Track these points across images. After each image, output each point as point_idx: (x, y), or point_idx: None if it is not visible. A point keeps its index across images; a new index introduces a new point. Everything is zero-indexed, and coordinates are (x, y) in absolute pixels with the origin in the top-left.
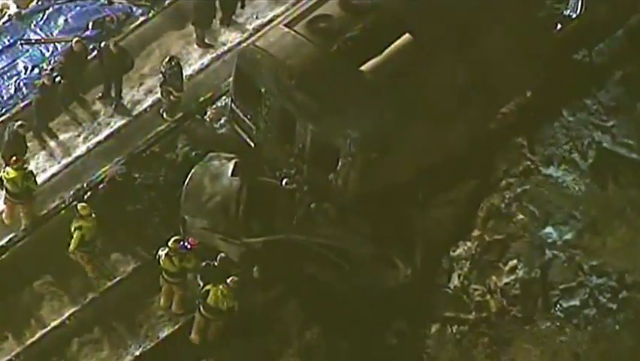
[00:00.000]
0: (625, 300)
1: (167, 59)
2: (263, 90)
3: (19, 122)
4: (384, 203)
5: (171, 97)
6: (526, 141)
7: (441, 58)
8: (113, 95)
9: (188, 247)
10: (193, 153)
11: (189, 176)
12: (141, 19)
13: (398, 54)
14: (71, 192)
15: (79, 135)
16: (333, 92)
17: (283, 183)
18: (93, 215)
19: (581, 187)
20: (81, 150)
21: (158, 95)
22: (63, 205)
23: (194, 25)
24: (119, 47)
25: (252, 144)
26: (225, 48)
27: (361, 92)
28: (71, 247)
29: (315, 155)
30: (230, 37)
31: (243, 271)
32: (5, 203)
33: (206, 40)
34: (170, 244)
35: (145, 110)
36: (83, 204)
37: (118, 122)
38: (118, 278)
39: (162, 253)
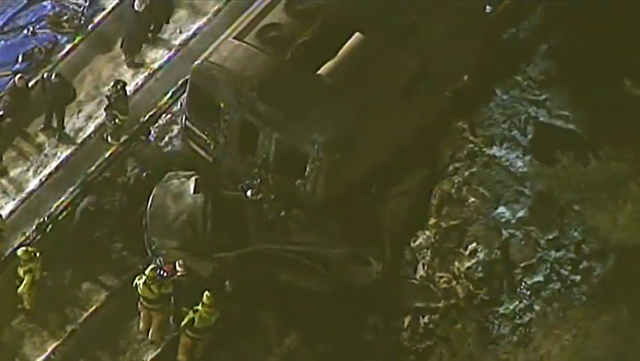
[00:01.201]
0: (586, 270)
1: (112, 83)
2: (222, 105)
3: None
4: (350, 202)
5: (117, 120)
6: (466, 124)
7: (390, 52)
8: (55, 125)
9: (165, 274)
10: (144, 175)
11: (151, 198)
12: (68, 46)
13: (351, 54)
14: (33, 227)
15: (28, 169)
16: (295, 99)
17: (247, 194)
18: (37, 254)
19: (524, 163)
20: (34, 183)
21: (99, 120)
22: (28, 242)
23: (123, 51)
24: (60, 78)
25: (210, 159)
26: (156, 66)
27: (322, 96)
28: (22, 289)
29: (280, 163)
30: (157, 55)
31: (215, 285)
32: None
33: (136, 60)
34: (147, 272)
35: (89, 136)
36: (23, 249)
37: (64, 151)
38: (94, 307)
39: (139, 281)
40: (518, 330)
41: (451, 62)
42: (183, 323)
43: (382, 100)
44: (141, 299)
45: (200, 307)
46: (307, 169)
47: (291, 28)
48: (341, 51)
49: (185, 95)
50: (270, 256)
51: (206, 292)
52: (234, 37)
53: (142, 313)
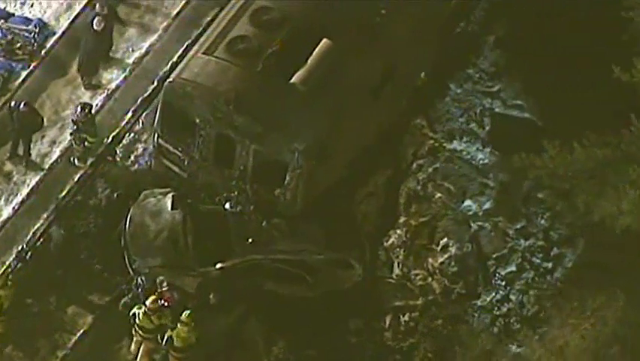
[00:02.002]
0: (557, 257)
1: (79, 107)
2: (197, 121)
3: None
4: (326, 207)
5: (86, 143)
6: (425, 120)
7: (357, 55)
8: (21, 153)
9: (166, 304)
10: (115, 195)
11: (128, 218)
12: (24, 73)
13: (321, 60)
14: (13, 256)
15: None
16: (271, 109)
17: (226, 207)
18: (10, 283)
19: (485, 155)
20: (7, 212)
21: (64, 144)
22: (10, 270)
23: (81, 74)
24: (29, 106)
25: (185, 175)
26: (113, 86)
27: (297, 104)
28: None
29: (258, 174)
30: (113, 75)
31: (199, 300)
32: None
33: (93, 82)
34: (148, 303)
35: (56, 161)
36: None
37: (33, 178)
38: (82, 331)
39: (139, 311)
40: (497, 321)
41: (412, 60)
42: (164, 343)
43: (352, 103)
44: (137, 329)
45: (178, 325)
46: (287, 178)
47: (259, 39)
48: (311, 58)
49: (157, 113)
50: (255, 267)
51: (186, 311)
52: (203, 53)
53: (135, 340)
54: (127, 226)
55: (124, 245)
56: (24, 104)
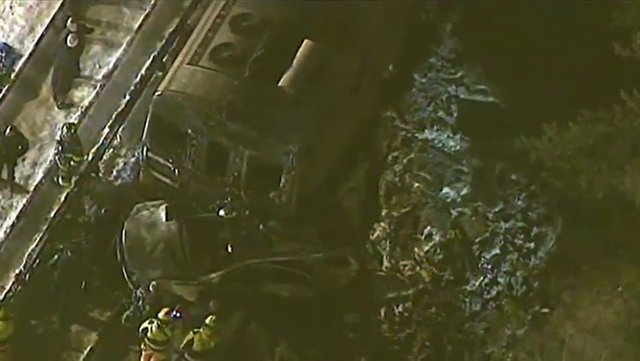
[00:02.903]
0: (538, 236)
1: (65, 127)
2: (189, 131)
3: None
4: (318, 205)
5: (72, 163)
6: (395, 112)
7: (336, 53)
8: (4, 177)
9: (178, 315)
10: (103, 211)
11: (124, 232)
12: None
13: (305, 61)
14: (11, 280)
15: None
16: (262, 114)
17: (220, 214)
18: (9, 320)
19: (456, 142)
20: None
21: (45, 165)
22: (10, 294)
23: (55, 92)
24: (15, 131)
25: (176, 186)
26: (86, 103)
27: (286, 107)
28: None
29: (252, 179)
30: (84, 92)
31: (199, 308)
32: None
33: (66, 101)
34: (161, 316)
35: (40, 182)
36: None
37: (20, 201)
38: (88, 348)
39: (151, 325)
40: (489, 305)
41: (381, 53)
42: (182, 345)
43: (336, 101)
44: (148, 342)
45: (201, 329)
46: (282, 180)
47: (242, 45)
48: (295, 60)
49: (146, 126)
50: (254, 271)
51: (211, 316)
52: (188, 63)
53: (144, 353)
54: (123, 240)
55: (121, 259)
56: (10, 129)
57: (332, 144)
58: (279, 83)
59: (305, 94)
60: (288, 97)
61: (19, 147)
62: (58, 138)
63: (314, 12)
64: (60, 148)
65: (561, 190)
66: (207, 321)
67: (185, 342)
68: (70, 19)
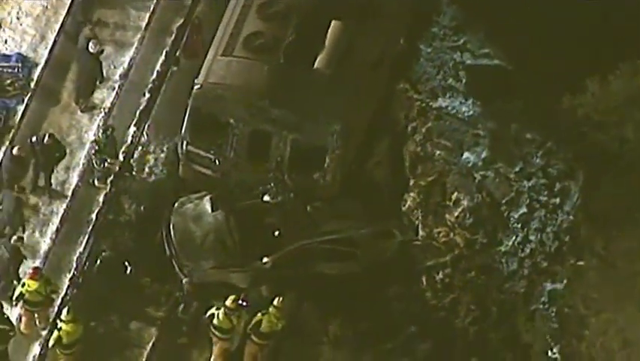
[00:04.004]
0: (562, 191)
1: (101, 130)
2: (231, 121)
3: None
4: (354, 181)
5: (106, 164)
6: (407, 84)
7: (362, 33)
8: (41, 184)
9: (244, 303)
10: (142, 208)
11: (171, 227)
12: (20, 108)
13: (336, 41)
14: (66, 284)
15: (33, 232)
16: (303, 97)
17: (265, 199)
18: (77, 322)
19: (469, 108)
20: (45, 243)
21: (79, 169)
22: (68, 298)
23: (77, 97)
24: (53, 138)
25: (218, 176)
26: (108, 104)
27: (324, 88)
28: (50, 342)
29: (296, 162)
30: (104, 94)
31: (252, 293)
32: (25, 315)
33: (89, 105)
34: (228, 303)
35: (77, 186)
36: (65, 311)
37: (60, 206)
38: (151, 343)
39: (218, 312)
40: (525, 263)
41: (396, 28)
42: (250, 327)
43: (365, 79)
44: (214, 329)
45: (270, 310)
46: (327, 160)
47: (272, 32)
48: (327, 41)
49: (185, 120)
50: (304, 252)
51: (278, 297)
52: (222, 55)
53: (215, 343)
54: (171, 234)
55: (171, 253)
56: (48, 136)
57: (361, 120)
58: (315, 66)
59: (340, 74)
60: (324, 78)
61: (57, 154)
62: (93, 139)
63: None
64: (96, 149)
65: (604, 143)
66: (275, 303)
67: (253, 323)
68: (84, 26)
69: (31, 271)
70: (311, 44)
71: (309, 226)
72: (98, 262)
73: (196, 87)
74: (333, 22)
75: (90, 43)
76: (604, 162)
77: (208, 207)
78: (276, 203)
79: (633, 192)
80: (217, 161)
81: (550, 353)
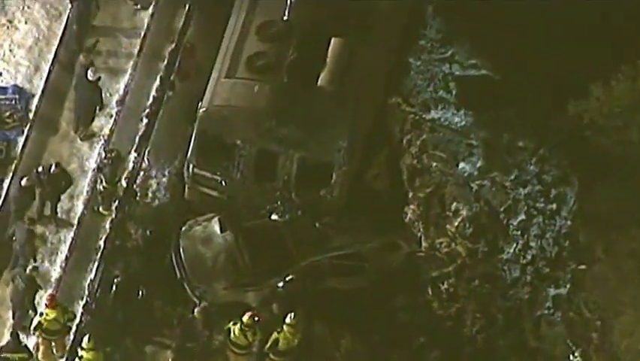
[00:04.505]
0: (558, 197)
1: (105, 155)
2: (238, 142)
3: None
4: (362, 195)
5: (103, 187)
6: (399, 98)
7: (361, 49)
8: (47, 214)
9: (258, 320)
10: (148, 233)
11: (181, 250)
12: (20, 139)
13: (338, 58)
14: (81, 311)
15: (43, 261)
16: (309, 115)
17: (273, 218)
18: (98, 349)
19: (461, 118)
20: (56, 272)
21: (83, 197)
22: (83, 325)
23: (77, 125)
24: (60, 167)
25: (224, 197)
26: (107, 131)
27: (329, 105)
28: None
29: (303, 180)
30: (101, 122)
31: (261, 312)
32: (42, 344)
33: (88, 133)
34: (245, 320)
35: (82, 214)
36: (87, 338)
37: (67, 234)
38: None
39: (234, 327)
40: (527, 269)
41: (391, 43)
42: (267, 346)
43: (365, 93)
44: (231, 345)
45: (284, 327)
46: (334, 176)
47: (274, 52)
48: (328, 58)
49: (192, 143)
50: (314, 268)
51: (291, 313)
52: (225, 77)
53: (230, 360)
54: (181, 257)
55: (182, 276)
56: (55, 166)
57: (362, 134)
58: (318, 83)
59: (343, 90)
60: (328, 95)
61: (63, 183)
62: (96, 165)
63: (333, 11)
64: (100, 177)
65: (608, 147)
66: (288, 320)
67: (270, 343)
68: (79, 54)
69: (48, 299)
70: (313, 62)
71: (318, 242)
72: (113, 287)
73: (201, 110)
74: (332, 39)
75: (89, 71)
76: (605, 166)
77: (217, 229)
78: (284, 221)
79: (636, 194)
80: (224, 182)
81: (572, 357)
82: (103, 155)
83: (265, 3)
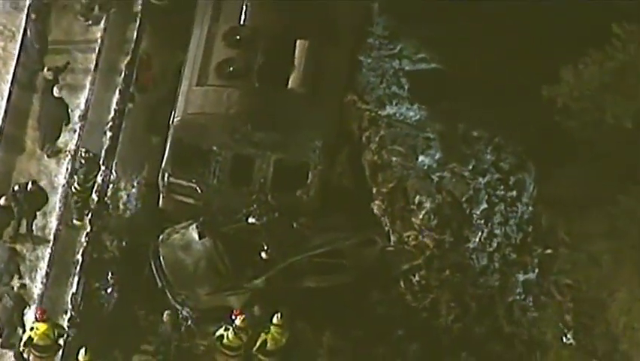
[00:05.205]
0: (516, 184)
1: (81, 157)
2: (214, 148)
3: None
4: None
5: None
6: (355, 95)
7: (325, 50)
8: (22, 231)
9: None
10: (124, 244)
11: (161, 259)
12: None
13: (306, 60)
14: (66, 325)
15: (20, 278)
16: (283, 117)
17: (250, 221)
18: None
19: (415, 112)
20: (37, 288)
21: (55, 212)
22: (70, 339)
23: (43, 142)
24: (37, 185)
25: (200, 204)
26: (72, 147)
27: (302, 106)
28: None
29: (279, 182)
30: (65, 138)
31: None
32: None
33: (54, 149)
34: (238, 322)
35: (57, 229)
36: (83, 351)
37: (44, 250)
38: None
39: (227, 332)
40: (494, 256)
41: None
42: (256, 348)
43: (332, 92)
44: (224, 348)
45: (271, 328)
46: (310, 176)
47: (242, 57)
48: (296, 61)
49: (167, 153)
50: (294, 268)
51: (277, 313)
52: (197, 85)
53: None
54: (162, 265)
55: (164, 284)
56: (32, 183)
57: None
58: (289, 85)
59: (313, 91)
60: (299, 97)
61: (40, 201)
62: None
63: (295, 14)
64: (74, 178)
65: (575, 130)
66: (275, 321)
67: (259, 344)
68: (46, 69)
69: (39, 313)
70: (281, 65)
71: (297, 242)
72: (96, 300)
73: (176, 119)
74: (298, 42)
75: (55, 88)
76: (569, 150)
77: (195, 235)
78: (262, 224)
79: (603, 175)
80: (200, 189)
81: (564, 339)
82: (79, 155)
83: (229, 10)
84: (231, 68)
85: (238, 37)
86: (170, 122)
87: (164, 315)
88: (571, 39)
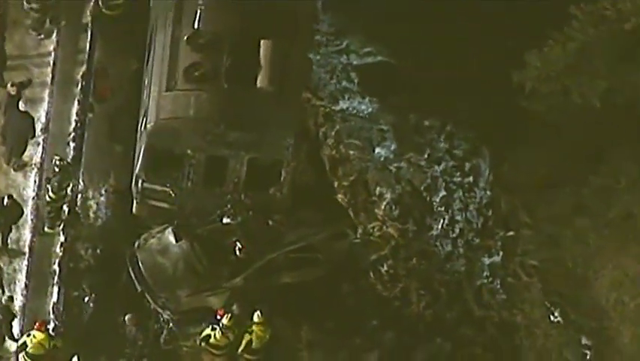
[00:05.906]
0: (472, 170)
1: (56, 165)
2: (188, 152)
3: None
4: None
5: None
6: (308, 92)
7: (288, 48)
8: None
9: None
10: (98, 251)
11: (140, 265)
12: None
13: (271, 59)
14: (52, 333)
15: (2, 292)
16: (254, 117)
17: (225, 221)
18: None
19: (367, 105)
20: (18, 300)
21: (29, 225)
22: (53, 346)
23: (9, 156)
24: (12, 199)
25: (174, 207)
26: (38, 159)
27: (271, 104)
28: None
29: (252, 181)
30: (30, 150)
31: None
32: None
33: (19, 163)
34: (224, 322)
35: (32, 241)
36: (76, 359)
37: (21, 262)
38: None
39: (214, 332)
40: (458, 242)
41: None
42: (242, 349)
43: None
44: (210, 348)
45: (254, 327)
46: (283, 174)
47: (208, 60)
48: (262, 61)
49: (139, 159)
50: (270, 265)
51: (257, 312)
52: (166, 90)
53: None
54: (141, 270)
55: (143, 288)
56: (8, 197)
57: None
58: (257, 85)
59: (281, 89)
60: (269, 95)
61: (16, 214)
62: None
63: (256, 16)
64: (48, 187)
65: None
66: (256, 319)
67: (244, 344)
68: (9, 85)
69: (39, 323)
70: (248, 65)
71: (273, 239)
72: (77, 308)
73: (149, 125)
74: (262, 42)
75: (20, 102)
76: (529, 132)
77: (172, 239)
78: (237, 223)
79: (570, 157)
80: (173, 193)
81: (552, 318)
82: (52, 163)
83: (190, 14)
84: (199, 72)
85: (202, 40)
86: (142, 128)
87: (127, 318)
88: (532, 24)
